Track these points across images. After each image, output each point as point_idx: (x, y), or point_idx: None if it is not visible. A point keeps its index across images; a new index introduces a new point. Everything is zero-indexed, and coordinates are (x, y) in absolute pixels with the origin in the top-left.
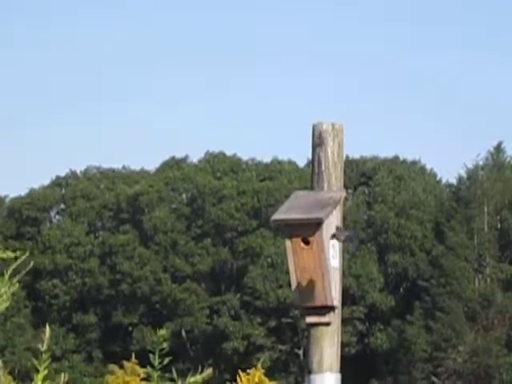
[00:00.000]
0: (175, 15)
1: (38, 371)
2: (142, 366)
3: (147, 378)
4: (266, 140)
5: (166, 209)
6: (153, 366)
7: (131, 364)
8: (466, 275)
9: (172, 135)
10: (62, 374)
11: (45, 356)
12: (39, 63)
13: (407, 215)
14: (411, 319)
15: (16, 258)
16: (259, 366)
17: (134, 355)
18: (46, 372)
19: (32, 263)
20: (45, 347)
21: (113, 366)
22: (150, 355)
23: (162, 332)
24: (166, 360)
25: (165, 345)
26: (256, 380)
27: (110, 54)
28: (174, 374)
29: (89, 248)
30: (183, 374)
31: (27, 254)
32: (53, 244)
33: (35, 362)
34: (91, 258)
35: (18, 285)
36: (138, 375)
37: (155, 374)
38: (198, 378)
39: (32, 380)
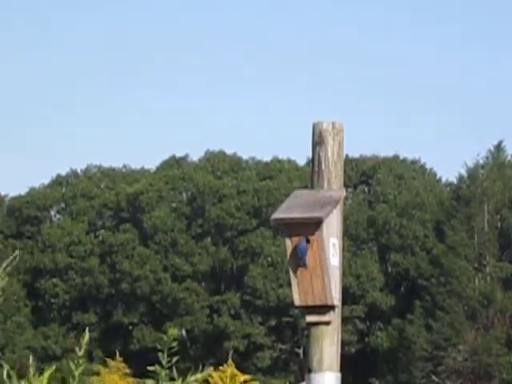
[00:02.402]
0: (175, 13)
1: (74, 376)
2: (143, 365)
3: (150, 376)
4: (266, 139)
5: (166, 208)
6: (160, 364)
7: (116, 363)
8: (466, 274)
9: (172, 134)
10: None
11: (82, 361)
12: (39, 62)
13: (408, 215)
14: (411, 318)
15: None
16: (230, 360)
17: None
18: (81, 369)
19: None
20: (82, 352)
21: (97, 366)
22: (159, 354)
23: (174, 331)
24: (174, 359)
25: (175, 344)
26: (228, 375)
27: (110, 52)
28: (175, 373)
29: (89, 247)
30: (183, 374)
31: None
32: (53, 243)
33: (72, 366)
34: (91, 257)
35: (7, 279)
36: (124, 373)
37: (163, 373)
38: (199, 376)
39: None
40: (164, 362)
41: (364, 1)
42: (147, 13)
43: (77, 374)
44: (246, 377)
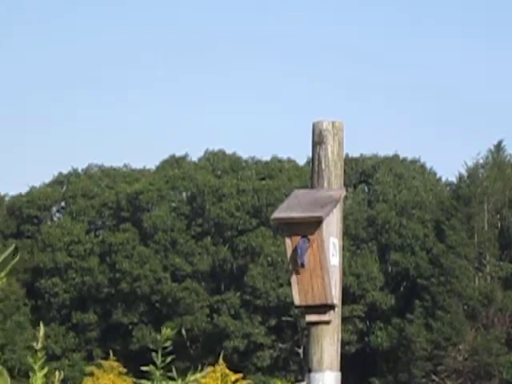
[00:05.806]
0: (174, 13)
1: (34, 370)
2: (143, 364)
3: (147, 377)
4: (266, 138)
5: (166, 207)
6: (155, 365)
7: (109, 362)
8: (466, 274)
9: (172, 134)
10: (57, 373)
11: (40, 354)
12: (40, 61)
13: (408, 214)
14: (411, 317)
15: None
16: (221, 359)
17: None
18: (45, 371)
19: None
20: (40, 345)
21: (91, 368)
22: (153, 354)
23: (168, 331)
24: (169, 359)
25: (168, 343)
26: (218, 375)
27: (110, 52)
28: (174, 373)
29: (89, 246)
30: (183, 373)
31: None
32: (53, 242)
33: (31, 360)
34: (91, 256)
35: (4, 279)
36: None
37: (157, 373)
38: (198, 375)
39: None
40: (158, 362)
41: (364, 0)
42: (147, 13)
43: (36, 367)
44: (237, 376)
